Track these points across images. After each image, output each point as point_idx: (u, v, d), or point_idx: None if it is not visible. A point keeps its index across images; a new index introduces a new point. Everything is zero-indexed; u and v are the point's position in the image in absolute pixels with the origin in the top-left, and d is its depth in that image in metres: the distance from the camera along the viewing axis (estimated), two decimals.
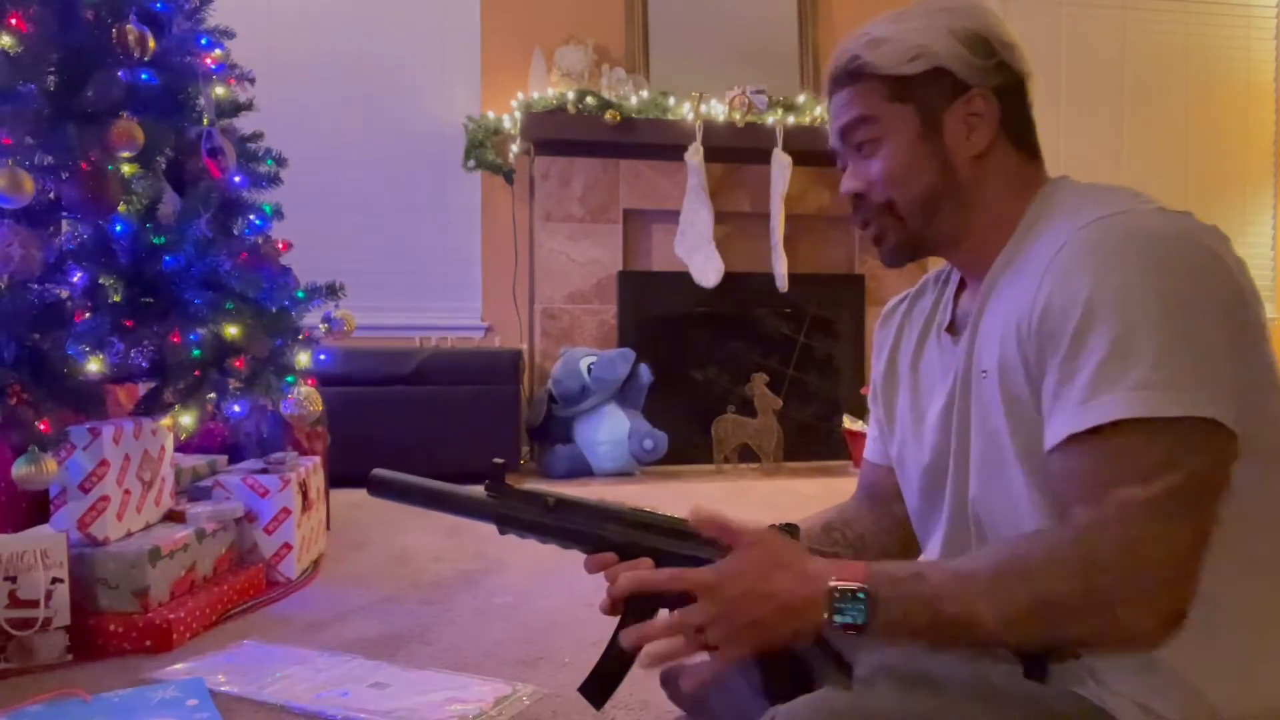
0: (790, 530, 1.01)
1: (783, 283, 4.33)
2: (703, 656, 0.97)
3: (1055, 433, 0.82)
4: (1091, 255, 0.82)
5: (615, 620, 1.09)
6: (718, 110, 4.28)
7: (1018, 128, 0.98)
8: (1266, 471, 0.83)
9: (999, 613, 0.80)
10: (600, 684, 1.10)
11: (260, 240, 2.33)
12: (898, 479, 1.11)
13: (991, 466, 0.93)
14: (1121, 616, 0.78)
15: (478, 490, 1.12)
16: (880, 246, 1.01)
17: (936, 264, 1.10)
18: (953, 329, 1.03)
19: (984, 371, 0.93)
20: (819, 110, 4.38)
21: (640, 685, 1.47)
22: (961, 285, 1.05)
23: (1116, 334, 0.78)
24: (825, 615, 0.83)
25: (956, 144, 0.96)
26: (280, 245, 2.44)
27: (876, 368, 1.14)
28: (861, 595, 0.82)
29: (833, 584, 0.83)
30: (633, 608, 1.07)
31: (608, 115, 4.13)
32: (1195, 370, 0.77)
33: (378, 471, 1.15)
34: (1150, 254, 0.80)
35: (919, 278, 1.16)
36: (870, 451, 1.18)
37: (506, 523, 1.10)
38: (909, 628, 0.82)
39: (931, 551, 1.04)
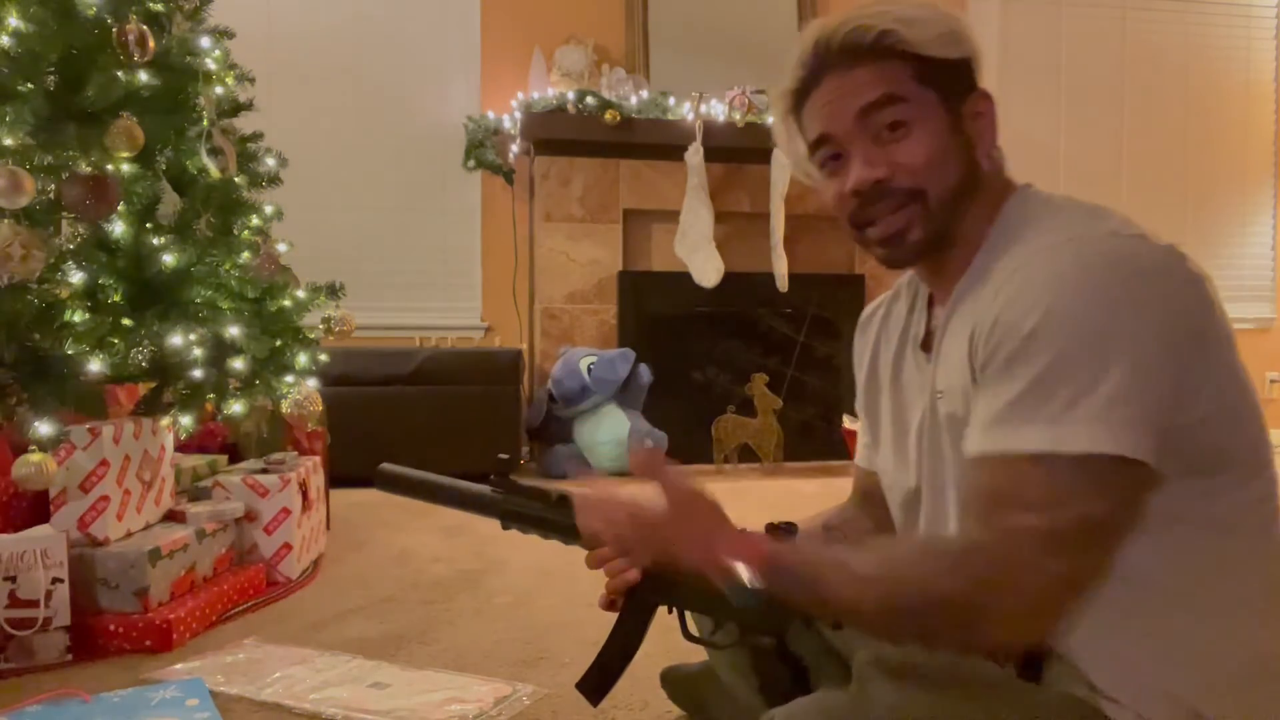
0: (789, 529, 1.01)
1: (783, 283, 4.33)
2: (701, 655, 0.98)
3: (970, 444, 0.84)
4: (1039, 282, 0.82)
5: (614, 618, 1.10)
6: (718, 110, 4.28)
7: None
8: (1244, 484, 0.84)
9: (876, 607, 0.84)
10: (598, 681, 1.10)
11: (260, 240, 2.33)
12: (883, 488, 1.10)
13: (937, 491, 0.96)
14: (981, 629, 0.80)
15: (483, 486, 1.12)
16: (898, 244, 0.94)
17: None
18: (927, 345, 1.01)
19: (940, 393, 0.93)
20: None
21: (640, 685, 1.47)
22: (932, 297, 1.03)
23: (1045, 365, 0.79)
24: (724, 589, 0.89)
25: (979, 139, 0.93)
26: (279, 245, 2.44)
27: (859, 377, 1.13)
28: (755, 586, 0.88)
29: (739, 567, 0.89)
30: (631, 603, 1.07)
31: (608, 115, 4.13)
32: (1113, 408, 0.77)
33: (384, 466, 1.15)
34: (1095, 285, 0.80)
35: None
36: (861, 458, 1.17)
37: (510, 518, 1.10)
38: (796, 607, 0.90)
39: None
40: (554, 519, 1.09)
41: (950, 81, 0.92)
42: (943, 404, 0.92)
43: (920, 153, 0.90)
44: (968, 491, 0.84)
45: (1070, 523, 0.77)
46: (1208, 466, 0.82)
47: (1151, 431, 0.78)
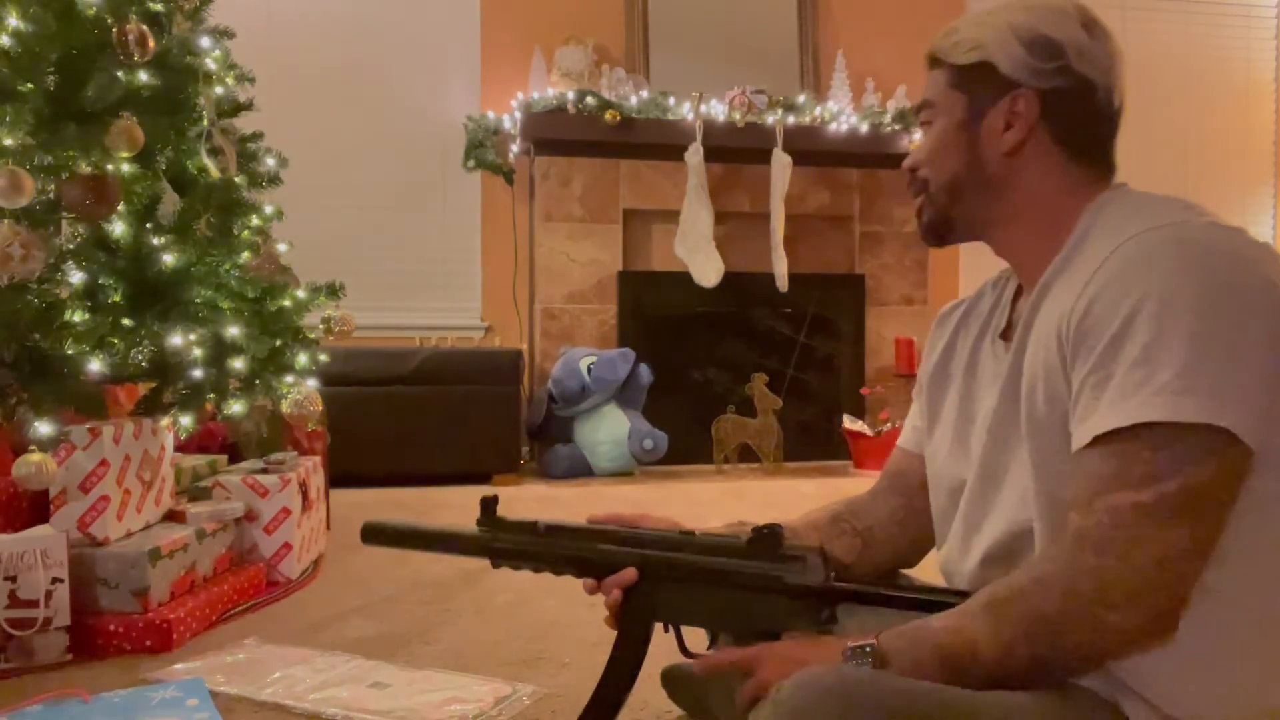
0: (774, 531, 1.02)
1: (783, 283, 4.33)
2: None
3: (1080, 438, 0.82)
4: (1136, 265, 0.82)
5: (612, 635, 1.10)
6: (718, 110, 4.28)
7: (1070, 132, 1.00)
8: None
9: (994, 638, 0.82)
10: (601, 715, 1.11)
11: (260, 240, 2.33)
12: (927, 474, 1.11)
13: (992, 480, 0.95)
14: (1106, 620, 0.78)
15: (470, 527, 1.14)
16: (919, 221, 1.07)
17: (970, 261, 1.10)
18: (1007, 335, 1.03)
19: (1021, 379, 0.93)
20: (819, 110, 4.38)
21: (640, 685, 1.47)
22: (1018, 292, 1.06)
23: (1148, 342, 0.79)
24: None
25: (991, 138, 0.99)
26: (279, 245, 2.44)
27: (926, 364, 1.15)
28: (869, 649, 0.86)
29: (849, 644, 0.88)
30: (628, 622, 1.08)
31: (608, 115, 4.13)
32: (1219, 382, 0.77)
33: (370, 521, 1.19)
34: (1195, 268, 0.81)
35: (918, 277, 1.17)
36: (906, 439, 1.19)
37: (500, 556, 1.12)
38: (919, 669, 0.84)
39: (962, 549, 1.02)
40: (543, 552, 1.10)
41: (977, 85, 1.00)
42: (1024, 390, 0.92)
43: (926, 146, 1.04)
44: (1076, 481, 0.82)
45: (1173, 493, 0.76)
46: None
47: (1252, 414, 0.77)
